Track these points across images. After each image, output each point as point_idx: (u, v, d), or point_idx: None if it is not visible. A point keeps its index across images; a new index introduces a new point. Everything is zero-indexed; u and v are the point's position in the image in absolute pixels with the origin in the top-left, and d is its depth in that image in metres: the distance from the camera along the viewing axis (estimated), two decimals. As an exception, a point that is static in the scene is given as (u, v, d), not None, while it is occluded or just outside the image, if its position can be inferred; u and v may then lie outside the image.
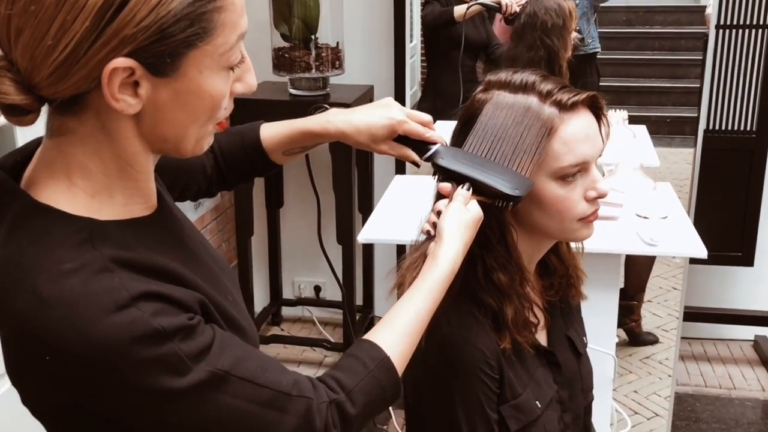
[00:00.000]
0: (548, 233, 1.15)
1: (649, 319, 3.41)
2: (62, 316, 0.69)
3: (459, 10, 3.12)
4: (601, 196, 1.13)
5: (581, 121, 1.09)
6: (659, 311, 3.50)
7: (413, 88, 3.48)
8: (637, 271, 3.14)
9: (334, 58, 2.85)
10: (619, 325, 3.20)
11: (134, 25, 0.68)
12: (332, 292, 3.36)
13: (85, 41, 0.68)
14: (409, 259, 1.12)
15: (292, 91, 2.87)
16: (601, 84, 5.04)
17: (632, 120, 2.91)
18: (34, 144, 0.82)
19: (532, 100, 1.08)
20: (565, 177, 1.09)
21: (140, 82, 0.72)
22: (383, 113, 1.07)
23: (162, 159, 0.87)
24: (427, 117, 1.09)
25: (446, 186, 1.04)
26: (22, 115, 0.73)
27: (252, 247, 3.11)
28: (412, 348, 0.94)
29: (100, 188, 0.77)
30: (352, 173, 2.90)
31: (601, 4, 4.74)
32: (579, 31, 4.84)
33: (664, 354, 3.10)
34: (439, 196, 1.08)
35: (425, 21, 3.22)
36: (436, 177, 1.09)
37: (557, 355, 1.21)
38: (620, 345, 3.22)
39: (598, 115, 1.13)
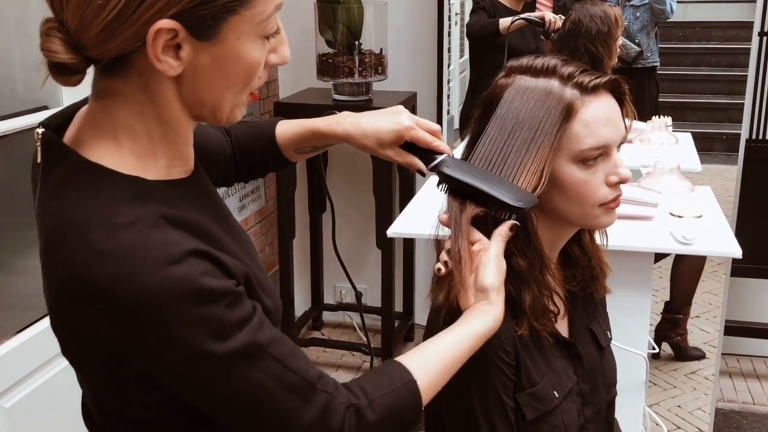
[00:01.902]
0: (569, 219, 1.13)
1: (696, 335, 3.33)
2: (118, 268, 0.72)
3: (504, 22, 3.11)
4: (623, 181, 1.11)
5: (603, 104, 1.08)
6: (708, 327, 3.41)
7: (463, 96, 3.50)
8: (683, 284, 3.07)
9: (377, 63, 2.88)
10: (665, 339, 3.14)
11: None
12: (373, 298, 3.37)
13: (133, 2, 0.72)
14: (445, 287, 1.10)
15: (336, 97, 2.91)
16: (659, 99, 4.98)
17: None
18: (74, 107, 0.86)
19: (554, 83, 1.08)
20: (585, 160, 1.08)
21: (182, 44, 0.75)
22: (392, 119, 1.07)
23: (197, 139, 0.91)
24: (435, 126, 1.09)
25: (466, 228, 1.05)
26: (69, 74, 0.76)
27: (294, 251, 3.15)
28: (439, 385, 0.95)
29: (145, 149, 0.81)
30: (393, 177, 2.92)
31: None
32: (638, 44, 4.81)
33: (711, 370, 3.02)
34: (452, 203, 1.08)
35: (470, 31, 3.22)
36: (440, 187, 1.09)
37: (578, 347, 1.19)
38: (665, 359, 3.16)
39: (621, 100, 1.12)
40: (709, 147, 6.53)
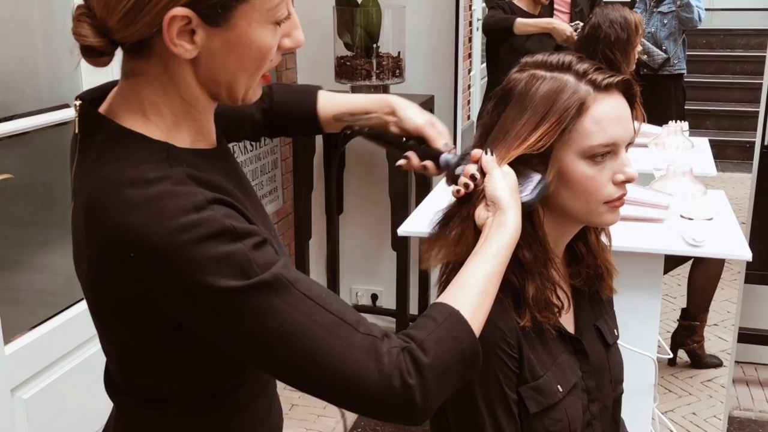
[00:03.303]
0: (573, 215, 1.14)
1: (714, 343, 3.31)
2: (147, 215, 0.78)
3: (520, 25, 3.12)
4: (629, 180, 1.12)
5: (614, 103, 1.10)
6: (725, 335, 3.39)
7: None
8: (700, 290, 3.05)
9: (395, 66, 2.90)
10: (681, 345, 3.12)
11: None
12: (389, 300, 3.38)
13: None
14: (455, 230, 1.11)
15: (354, 99, 2.93)
16: (685, 107, 4.95)
17: (711, 144, 2.85)
18: (108, 85, 0.93)
19: (569, 78, 1.09)
20: (593, 157, 1.09)
21: (196, 30, 0.81)
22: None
23: (218, 106, 0.96)
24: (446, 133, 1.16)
25: (477, 151, 1.09)
26: (98, 56, 0.83)
27: (310, 252, 3.17)
28: (486, 308, 0.93)
29: (170, 124, 0.87)
30: (409, 180, 2.94)
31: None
32: (665, 51, 4.79)
33: (727, 378, 3.00)
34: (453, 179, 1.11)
35: (484, 25, 3.23)
36: (449, 172, 1.12)
37: (584, 343, 1.20)
38: (681, 366, 3.14)
39: (632, 101, 1.14)
40: (732, 155, 6.48)
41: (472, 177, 1.07)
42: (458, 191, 1.09)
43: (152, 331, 0.87)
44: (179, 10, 0.78)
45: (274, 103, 1.20)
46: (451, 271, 1.16)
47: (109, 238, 0.80)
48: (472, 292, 0.91)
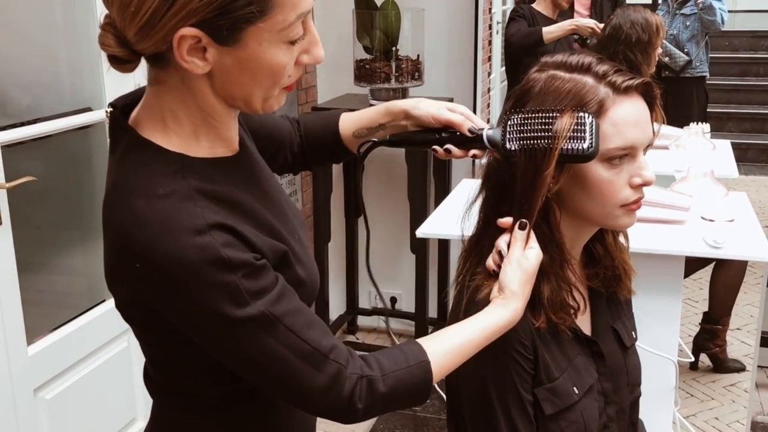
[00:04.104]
0: (590, 217, 1.14)
1: (737, 347, 3.28)
2: (152, 233, 0.83)
3: (547, 35, 3.12)
4: (647, 183, 1.11)
5: (633, 106, 1.09)
6: (749, 339, 3.35)
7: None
8: (722, 294, 3.02)
9: (414, 69, 2.91)
10: (703, 349, 3.09)
11: (198, 0, 0.79)
12: (408, 303, 3.38)
13: (159, 11, 0.80)
14: (477, 280, 1.13)
15: (373, 102, 2.94)
16: (708, 110, 4.90)
17: (733, 147, 2.81)
18: (140, 92, 0.95)
19: (588, 79, 1.09)
20: (611, 159, 1.08)
21: (207, 48, 0.83)
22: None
23: (256, 124, 1.06)
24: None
25: (506, 220, 1.09)
26: (122, 64, 0.87)
27: (330, 255, 3.18)
28: (450, 368, 1.00)
29: (188, 132, 0.90)
30: (428, 182, 2.94)
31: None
32: (687, 53, 4.76)
33: (750, 382, 2.96)
34: (496, 228, 1.11)
35: (512, 41, 3.20)
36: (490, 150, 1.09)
37: (600, 345, 1.19)
38: (703, 370, 3.11)
39: (652, 104, 1.13)
40: (754, 158, 6.42)
41: (500, 253, 1.08)
42: (494, 271, 1.10)
43: (164, 330, 0.91)
44: (188, 30, 0.81)
45: (302, 129, 1.22)
46: (467, 272, 1.16)
47: (119, 247, 0.86)
48: (450, 353, 0.99)
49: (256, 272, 0.86)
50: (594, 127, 1.03)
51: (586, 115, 1.03)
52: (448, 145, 1.10)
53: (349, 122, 1.19)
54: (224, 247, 0.84)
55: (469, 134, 1.09)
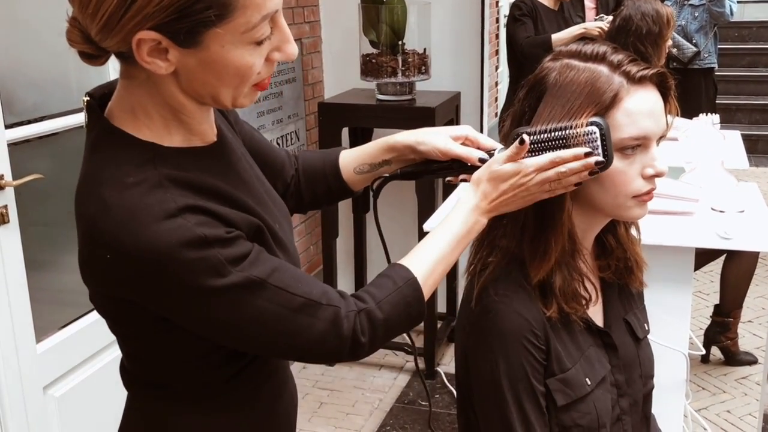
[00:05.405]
0: (601, 208, 1.13)
1: (749, 339, 3.26)
2: (121, 222, 0.82)
3: (557, 41, 3.13)
4: (659, 174, 1.10)
5: (647, 96, 1.08)
6: (761, 332, 3.33)
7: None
8: (733, 286, 3.00)
9: (421, 63, 2.89)
10: (714, 342, 3.07)
11: (155, 5, 0.78)
12: (417, 298, 3.37)
13: (116, 14, 0.80)
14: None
15: (379, 96, 2.93)
16: (717, 101, 4.86)
17: (743, 138, 2.79)
18: (115, 83, 0.95)
19: (603, 69, 1.08)
20: (623, 150, 1.07)
21: (169, 49, 0.82)
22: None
23: (254, 147, 1.08)
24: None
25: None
26: (92, 59, 0.87)
27: (338, 251, 3.17)
28: (436, 276, 1.03)
29: (159, 125, 0.90)
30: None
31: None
32: (695, 45, 4.73)
33: (762, 375, 2.95)
34: (507, 219, 1.13)
35: (523, 47, 3.19)
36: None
37: (613, 336, 1.18)
38: (715, 363, 3.10)
39: (666, 95, 1.12)
40: (764, 149, 6.38)
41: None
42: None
43: (141, 321, 0.91)
44: (146, 34, 0.80)
45: (299, 163, 1.20)
46: (478, 261, 1.16)
47: (89, 239, 0.86)
48: (431, 262, 1.02)
49: (231, 241, 0.86)
50: (605, 137, 1.03)
51: (594, 127, 1.03)
52: (462, 176, 1.12)
53: (349, 158, 1.18)
54: (198, 226, 0.83)
55: (479, 164, 1.09)
